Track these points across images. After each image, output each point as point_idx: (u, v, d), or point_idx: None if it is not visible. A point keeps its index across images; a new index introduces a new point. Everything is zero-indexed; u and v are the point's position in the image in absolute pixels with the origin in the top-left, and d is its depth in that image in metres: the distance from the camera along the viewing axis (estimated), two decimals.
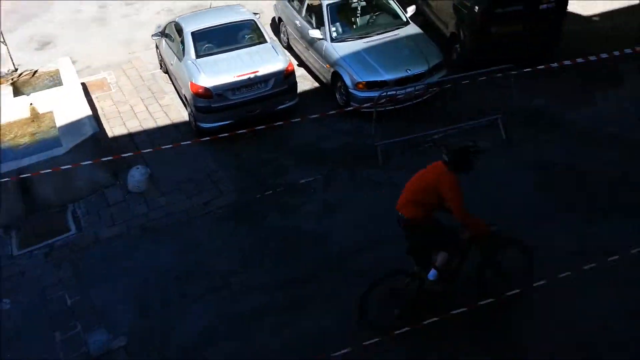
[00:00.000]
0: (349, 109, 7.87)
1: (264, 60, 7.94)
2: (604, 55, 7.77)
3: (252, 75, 7.69)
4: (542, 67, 7.53)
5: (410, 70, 7.89)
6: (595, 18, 10.12)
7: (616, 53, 7.84)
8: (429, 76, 7.94)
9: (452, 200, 4.48)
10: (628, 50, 7.88)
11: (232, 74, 7.69)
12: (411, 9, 8.98)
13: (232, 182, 7.16)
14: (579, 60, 7.66)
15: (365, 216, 6.42)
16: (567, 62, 7.60)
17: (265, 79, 7.80)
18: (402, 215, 4.78)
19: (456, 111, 7.69)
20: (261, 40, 8.36)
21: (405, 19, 8.82)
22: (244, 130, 7.08)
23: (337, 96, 8.43)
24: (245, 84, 7.70)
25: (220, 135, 7.15)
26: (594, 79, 8.13)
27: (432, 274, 4.85)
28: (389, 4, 9.08)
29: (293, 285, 5.67)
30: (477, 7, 8.34)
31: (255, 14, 8.88)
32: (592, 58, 7.62)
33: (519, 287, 4.97)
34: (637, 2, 10.45)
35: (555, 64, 7.57)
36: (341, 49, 8.31)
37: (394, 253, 5.81)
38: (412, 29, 8.72)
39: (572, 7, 9.52)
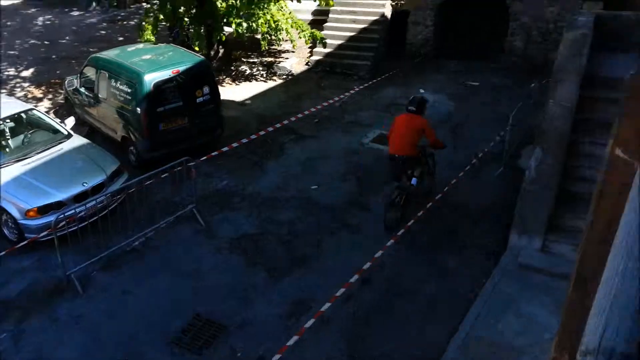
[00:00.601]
0: (24, 242, 6.71)
1: None
2: (262, 133, 9.04)
3: None
4: (215, 152, 8.17)
5: (87, 183, 7.35)
6: (247, 102, 11.68)
7: (270, 129, 9.23)
8: (110, 184, 7.56)
9: (432, 134, 7.21)
10: (278, 125, 9.39)
11: None
12: (70, 121, 8.52)
13: None
14: (244, 140, 8.66)
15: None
16: (235, 144, 8.48)
17: None
18: (401, 156, 7.08)
19: (149, 212, 7.52)
20: None
21: (66, 132, 8.24)
22: None
23: (6, 232, 7.13)
24: None
25: None
26: (262, 153, 9.25)
27: (414, 181, 7.30)
28: (42, 119, 8.36)
29: None
30: (139, 109, 8.48)
31: None
32: (253, 136, 8.75)
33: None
34: (273, 85, 12.64)
35: (226, 148, 8.34)
36: None
37: None
38: (78, 140, 8.20)
39: (226, 95, 10.76)
